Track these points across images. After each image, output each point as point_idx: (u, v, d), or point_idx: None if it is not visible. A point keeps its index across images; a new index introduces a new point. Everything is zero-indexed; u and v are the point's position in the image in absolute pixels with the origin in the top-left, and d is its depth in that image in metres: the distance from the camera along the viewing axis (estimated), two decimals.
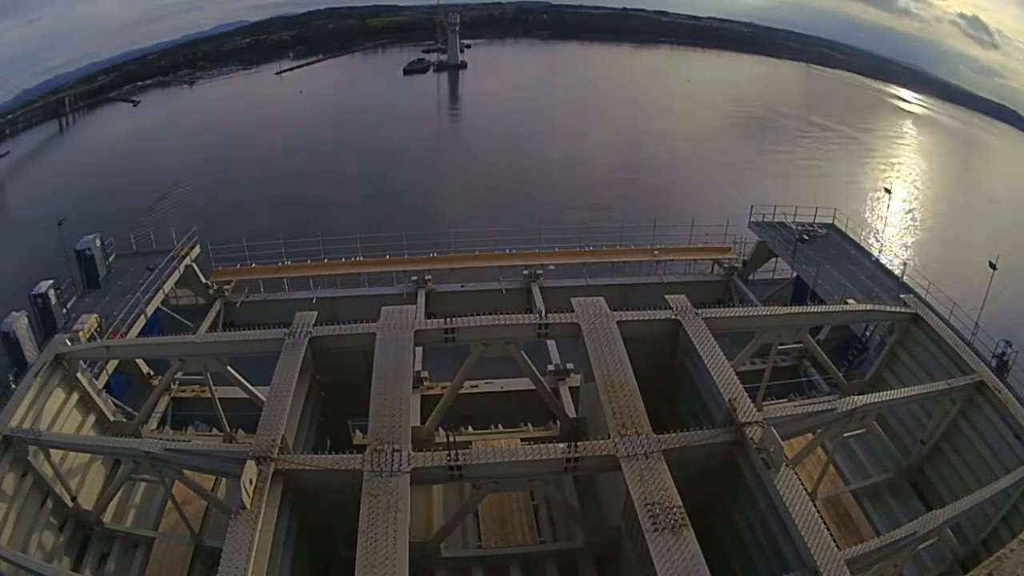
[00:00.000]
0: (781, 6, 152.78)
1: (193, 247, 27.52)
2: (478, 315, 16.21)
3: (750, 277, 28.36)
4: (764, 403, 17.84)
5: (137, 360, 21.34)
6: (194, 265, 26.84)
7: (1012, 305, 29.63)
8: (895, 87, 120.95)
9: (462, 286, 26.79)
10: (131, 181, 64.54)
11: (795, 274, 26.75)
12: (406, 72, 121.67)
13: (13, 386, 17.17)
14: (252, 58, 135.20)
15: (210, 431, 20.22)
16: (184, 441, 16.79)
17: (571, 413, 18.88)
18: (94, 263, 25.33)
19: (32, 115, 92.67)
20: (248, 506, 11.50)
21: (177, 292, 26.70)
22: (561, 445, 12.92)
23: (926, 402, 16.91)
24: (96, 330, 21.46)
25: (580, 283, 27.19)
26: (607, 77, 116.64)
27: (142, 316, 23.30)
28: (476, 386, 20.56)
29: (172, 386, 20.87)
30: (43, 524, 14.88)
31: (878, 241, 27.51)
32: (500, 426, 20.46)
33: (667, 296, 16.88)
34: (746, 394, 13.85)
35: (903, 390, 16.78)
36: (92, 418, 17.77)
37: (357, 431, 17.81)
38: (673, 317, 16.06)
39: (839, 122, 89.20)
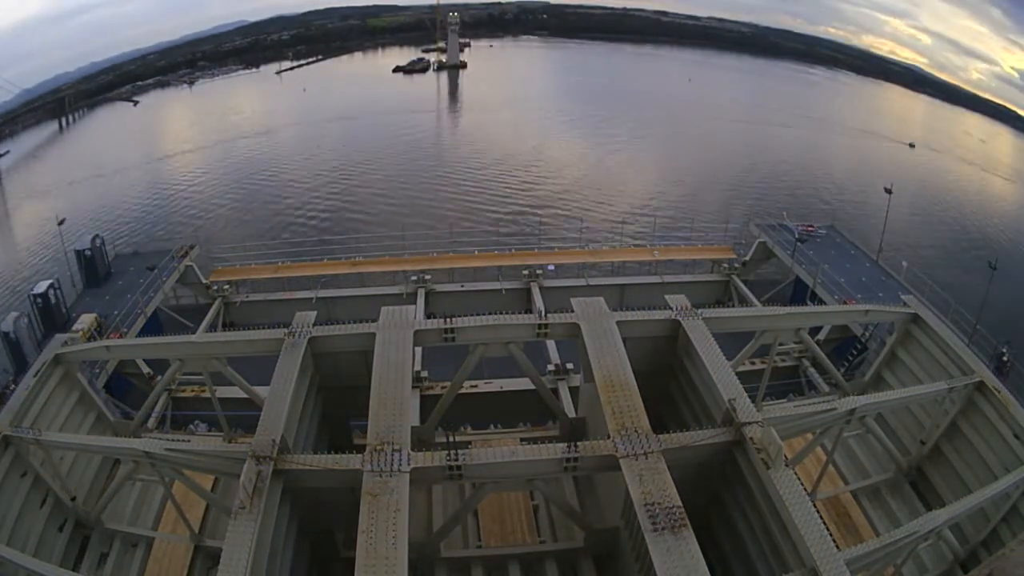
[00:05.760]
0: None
1: (193, 247, 27.50)
2: (478, 315, 16.21)
3: (750, 277, 28.33)
4: (764, 403, 17.84)
5: (137, 360, 21.35)
6: (194, 265, 26.81)
7: (1012, 305, 29.61)
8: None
9: (462, 286, 26.72)
10: (131, 181, 64.59)
11: (795, 274, 26.74)
12: (406, 72, 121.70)
13: (13, 386, 17.17)
14: (252, 58, 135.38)
15: (210, 431, 20.22)
16: (184, 441, 16.77)
17: (571, 413, 18.87)
18: (94, 263, 25.33)
19: (32, 115, 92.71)
20: (248, 506, 11.49)
21: (177, 292, 26.68)
22: (561, 445, 12.92)
23: (926, 402, 16.92)
24: (95, 330, 21.46)
25: (580, 283, 27.14)
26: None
27: (142, 316, 23.30)
28: (476, 386, 20.54)
29: (172, 386, 20.85)
30: (43, 524, 14.89)
31: (878, 241, 27.39)
32: (500, 426, 20.45)
33: (667, 296, 16.87)
34: (746, 394, 13.84)
35: (903, 390, 16.81)
36: (92, 418, 17.78)
37: (357, 431, 17.81)
38: (673, 317, 16.05)
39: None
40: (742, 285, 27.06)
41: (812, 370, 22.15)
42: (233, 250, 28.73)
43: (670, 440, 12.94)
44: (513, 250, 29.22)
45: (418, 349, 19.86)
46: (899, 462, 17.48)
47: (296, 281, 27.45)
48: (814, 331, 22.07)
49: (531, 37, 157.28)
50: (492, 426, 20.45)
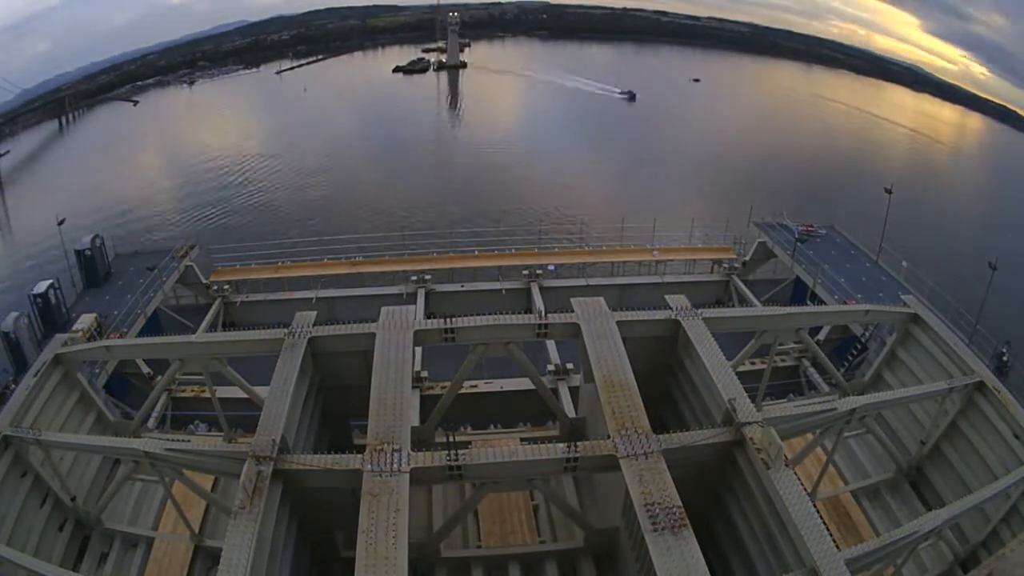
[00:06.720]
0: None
1: (193, 247, 27.50)
2: (478, 315, 16.21)
3: (750, 277, 28.32)
4: (764, 403, 17.84)
5: (137, 360, 21.35)
6: (194, 265, 26.81)
7: (1012, 305, 29.62)
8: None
9: (462, 286, 26.72)
10: (131, 181, 64.62)
11: (795, 274, 26.75)
12: (406, 72, 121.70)
13: (13, 386, 17.17)
14: (252, 58, 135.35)
15: (210, 431, 20.22)
16: (184, 441, 16.77)
17: (571, 413, 18.87)
18: (94, 263, 25.32)
19: (32, 115, 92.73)
20: (248, 506, 11.49)
21: (177, 292, 26.68)
22: (560, 445, 12.91)
23: (926, 402, 16.92)
24: (95, 330, 21.46)
25: (580, 283, 27.14)
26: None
27: (142, 316, 23.30)
28: (476, 386, 20.55)
29: (172, 386, 20.84)
30: (43, 524, 14.89)
31: (878, 241, 27.39)
32: (500, 426, 20.47)
33: (667, 296, 16.86)
34: (746, 394, 13.83)
35: (903, 390, 16.81)
36: (92, 418, 17.77)
37: (357, 431, 17.81)
38: (673, 317, 16.04)
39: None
40: (742, 285, 27.06)
41: (812, 370, 22.15)
42: (233, 250, 28.70)
43: (670, 440, 12.93)
44: (513, 250, 29.22)
45: (418, 349, 19.85)
46: (899, 462, 17.48)
47: (296, 281, 27.45)
48: (814, 331, 22.09)
49: (532, 39, 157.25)
50: (492, 426, 20.45)
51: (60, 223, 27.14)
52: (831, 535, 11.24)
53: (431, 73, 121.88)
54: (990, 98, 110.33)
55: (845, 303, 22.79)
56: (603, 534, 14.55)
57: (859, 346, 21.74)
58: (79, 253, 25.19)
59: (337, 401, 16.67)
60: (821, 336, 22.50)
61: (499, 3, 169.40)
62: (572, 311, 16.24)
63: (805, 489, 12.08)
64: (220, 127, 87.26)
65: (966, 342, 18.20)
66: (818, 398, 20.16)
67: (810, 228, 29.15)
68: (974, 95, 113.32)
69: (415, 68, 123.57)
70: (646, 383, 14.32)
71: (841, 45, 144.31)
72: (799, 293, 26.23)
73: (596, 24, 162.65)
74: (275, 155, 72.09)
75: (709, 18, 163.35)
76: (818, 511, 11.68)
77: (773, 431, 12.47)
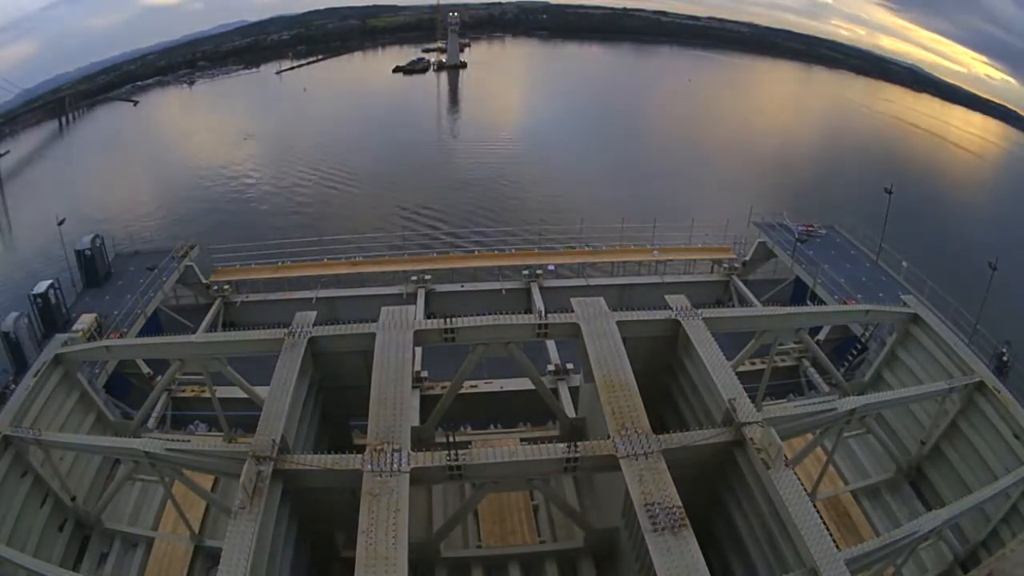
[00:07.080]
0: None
1: (193, 247, 27.50)
2: (478, 315, 16.21)
3: (750, 277, 28.33)
4: (764, 403, 17.85)
5: (137, 360, 21.35)
6: (194, 265, 26.81)
7: (1012, 305, 29.59)
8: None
9: (462, 286, 26.74)
10: (131, 181, 64.59)
11: (795, 274, 26.75)
12: (406, 72, 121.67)
13: (13, 386, 17.17)
14: (252, 58, 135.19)
15: (210, 431, 20.22)
16: (184, 441, 16.77)
17: (571, 413, 18.88)
18: (94, 263, 25.32)
19: (32, 115, 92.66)
20: (248, 506, 11.50)
21: (177, 292, 26.67)
22: (561, 445, 12.93)
23: (926, 402, 16.93)
24: (95, 330, 21.46)
25: (580, 283, 27.16)
26: None
27: (142, 316, 23.30)
28: (476, 386, 20.56)
29: (172, 386, 20.83)
30: (43, 524, 14.90)
31: (878, 241, 27.39)
32: (500, 426, 20.48)
33: (667, 296, 16.88)
34: (746, 394, 13.85)
35: (903, 390, 16.84)
36: (92, 418, 17.78)
37: (357, 431, 17.81)
38: (673, 317, 16.06)
39: None
40: (742, 285, 27.07)
41: (812, 370, 22.16)
42: (233, 250, 28.70)
43: (670, 440, 12.94)
44: (513, 250, 29.25)
45: (418, 349, 19.86)
46: (899, 462, 17.49)
47: (296, 281, 27.44)
48: (814, 331, 22.10)
49: (532, 40, 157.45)
50: (492, 426, 20.46)
51: (60, 223, 27.13)
52: (831, 535, 11.26)
53: (431, 73, 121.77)
54: (990, 98, 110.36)
55: (845, 303, 22.80)
56: (603, 534, 14.56)
57: (859, 346, 21.75)
58: (79, 253, 25.18)
59: (337, 401, 16.67)
60: (821, 336, 22.51)
61: (499, 3, 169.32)
62: (572, 311, 16.25)
63: (805, 489, 12.10)
64: (220, 127, 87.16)
65: (966, 342, 18.20)
66: (818, 398, 20.17)
67: (810, 228, 29.15)
68: (974, 95, 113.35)
69: (415, 68, 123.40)
70: (646, 383, 14.34)
71: (841, 45, 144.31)
72: (799, 293, 26.23)
73: (596, 24, 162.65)
74: (275, 155, 71.99)
75: (709, 18, 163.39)
76: (818, 511, 11.71)
77: (773, 431, 12.48)
